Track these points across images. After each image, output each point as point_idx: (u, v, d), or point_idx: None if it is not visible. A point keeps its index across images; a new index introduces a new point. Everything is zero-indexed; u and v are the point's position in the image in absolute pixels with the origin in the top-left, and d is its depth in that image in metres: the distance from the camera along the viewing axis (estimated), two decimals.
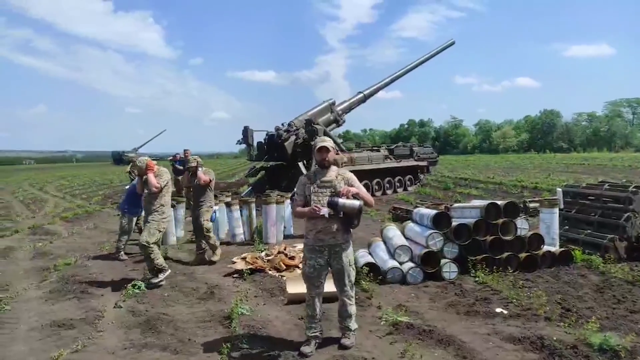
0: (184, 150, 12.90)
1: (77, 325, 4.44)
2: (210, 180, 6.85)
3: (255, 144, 14.90)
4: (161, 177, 5.83)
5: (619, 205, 6.45)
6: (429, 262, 5.64)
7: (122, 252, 7.32)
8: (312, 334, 3.77)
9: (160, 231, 5.77)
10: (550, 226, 6.48)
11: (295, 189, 4.00)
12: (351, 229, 3.75)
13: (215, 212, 7.04)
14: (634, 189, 6.42)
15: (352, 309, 3.83)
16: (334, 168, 3.80)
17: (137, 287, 5.51)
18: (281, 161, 14.24)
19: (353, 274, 3.85)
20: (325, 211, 3.56)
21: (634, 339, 3.64)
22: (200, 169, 6.82)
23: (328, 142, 3.77)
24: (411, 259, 5.74)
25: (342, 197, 3.58)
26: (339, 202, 3.55)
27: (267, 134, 14.75)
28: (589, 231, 6.65)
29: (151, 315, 4.63)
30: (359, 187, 3.74)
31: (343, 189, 3.63)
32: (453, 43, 19.90)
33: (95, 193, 19.98)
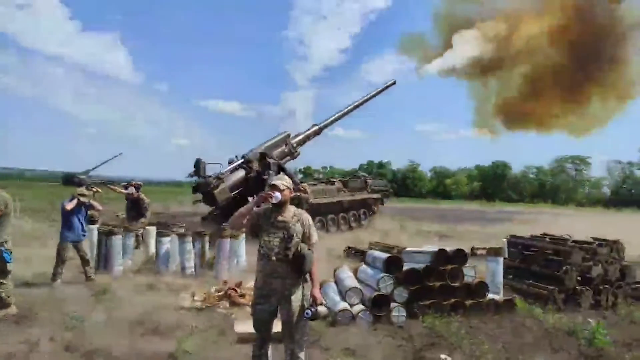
0: (127, 183, 10.36)
1: None
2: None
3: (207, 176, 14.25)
4: None
5: (558, 258, 6.84)
6: (379, 305, 5.70)
7: (59, 280, 7.03)
8: None
9: None
10: (495, 274, 6.74)
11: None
12: (303, 273, 3.54)
13: (8, 252, 5.43)
14: (572, 243, 6.86)
15: None
16: (290, 208, 3.63)
17: (75, 319, 5.22)
18: (213, 207, 13.67)
19: (305, 321, 3.55)
20: (278, 196, 3.46)
21: None
22: None
23: (283, 181, 3.57)
24: (362, 302, 5.79)
25: (314, 306, 3.49)
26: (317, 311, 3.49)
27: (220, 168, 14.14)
28: (530, 281, 6.97)
29: (89, 350, 4.39)
30: (313, 234, 3.63)
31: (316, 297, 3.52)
32: (394, 83, 20.76)
33: (40, 215, 18.90)
